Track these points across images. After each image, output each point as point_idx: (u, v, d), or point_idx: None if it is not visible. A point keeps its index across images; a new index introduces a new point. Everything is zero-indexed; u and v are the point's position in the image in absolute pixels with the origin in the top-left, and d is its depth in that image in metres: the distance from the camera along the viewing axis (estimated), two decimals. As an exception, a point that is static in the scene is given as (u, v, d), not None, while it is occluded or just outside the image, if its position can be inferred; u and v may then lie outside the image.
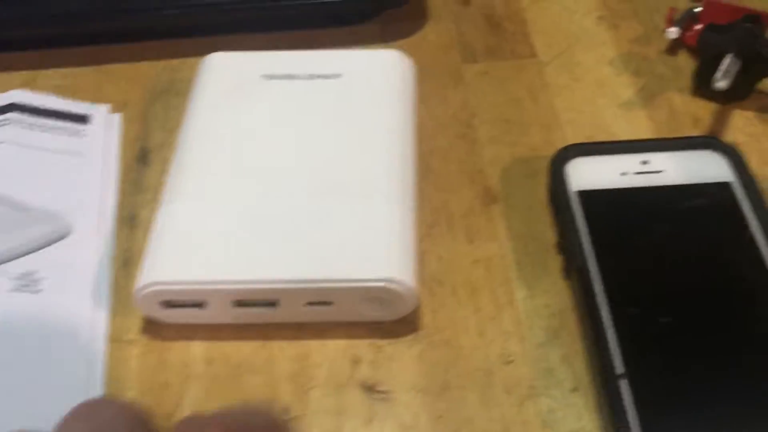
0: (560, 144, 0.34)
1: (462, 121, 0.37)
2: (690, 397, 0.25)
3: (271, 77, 0.35)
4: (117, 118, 0.37)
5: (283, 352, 0.29)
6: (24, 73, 0.40)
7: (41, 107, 0.36)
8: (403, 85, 0.35)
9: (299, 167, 0.31)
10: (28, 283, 0.29)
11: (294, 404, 0.27)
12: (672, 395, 0.25)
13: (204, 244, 0.29)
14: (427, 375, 0.28)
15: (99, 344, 0.28)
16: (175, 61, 0.40)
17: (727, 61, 0.35)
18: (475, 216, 0.33)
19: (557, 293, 0.30)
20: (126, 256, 0.32)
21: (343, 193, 0.30)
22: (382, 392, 0.28)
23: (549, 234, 0.32)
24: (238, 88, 0.34)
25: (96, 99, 0.38)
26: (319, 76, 0.35)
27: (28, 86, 0.39)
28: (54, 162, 0.34)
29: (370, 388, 0.28)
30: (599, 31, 0.41)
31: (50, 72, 0.40)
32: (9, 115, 0.35)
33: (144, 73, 0.40)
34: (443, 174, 0.34)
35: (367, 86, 0.34)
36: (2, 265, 0.30)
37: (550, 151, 0.34)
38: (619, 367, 0.26)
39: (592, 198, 0.31)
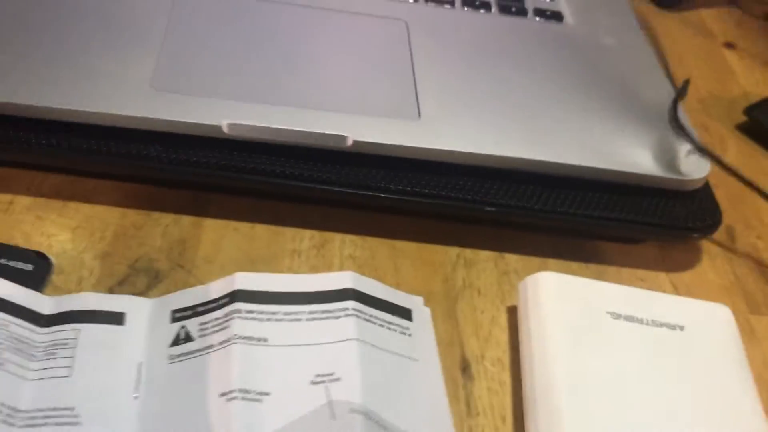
0: None
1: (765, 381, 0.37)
2: None
3: (617, 316, 0.34)
4: (429, 314, 0.35)
5: None
6: (315, 233, 0.38)
7: (373, 296, 0.34)
8: (739, 343, 0.35)
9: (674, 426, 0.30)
10: None
11: None
12: None
13: None
14: None
15: None
16: (468, 253, 0.39)
17: None
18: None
19: None
20: (478, 495, 0.30)
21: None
22: None
23: None
24: (588, 325, 0.33)
25: (398, 282, 0.37)
26: (663, 325, 0.34)
27: (321, 248, 0.37)
28: (396, 367, 0.31)
29: None
30: None
31: (342, 237, 0.38)
32: (348, 303, 0.32)
33: (438, 258, 0.38)
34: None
35: (711, 344, 0.34)
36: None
37: None
38: None
39: None
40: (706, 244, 0.43)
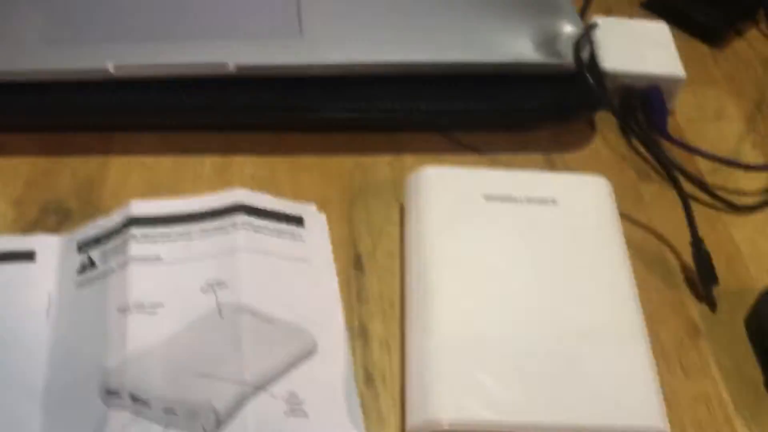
0: (745, 278, 0.37)
1: (653, 246, 0.39)
2: None
3: (491, 198, 0.36)
4: (324, 220, 0.38)
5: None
6: (217, 158, 0.41)
7: (263, 208, 0.36)
8: (613, 214, 0.37)
9: (542, 301, 0.33)
10: (295, 406, 0.30)
11: None
12: None
13: (472, 384, 0.30)
14: None
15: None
16: (366, 159, 0.41)
17: None
18: (685, 349, 0.35)
19: (780, 435, 0.33)
20: (367, 372, 0.33)
21: (591, 332, 0.32)
22: None
23: (756, 371, 0.35)
24: (463, 209, 0.36)
25: (296, 195, 0.39)
26: (536, 201, 0.37)
27: (224, 172, 0.40)
28: (285, 269, 0.34)
29: None
30: (755, 155, 0.44)
31: (243, 159, 0.41)
32: (237, 217, 0.35)
33: (336, 168, 0.41)
34: (646, 303, 0.36)
35: (583, 215, 0.36)
36: (268, 386, 0.30)
37: (737, 284, 0.37)
38: None
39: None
40: (601, 123, 0.45)
